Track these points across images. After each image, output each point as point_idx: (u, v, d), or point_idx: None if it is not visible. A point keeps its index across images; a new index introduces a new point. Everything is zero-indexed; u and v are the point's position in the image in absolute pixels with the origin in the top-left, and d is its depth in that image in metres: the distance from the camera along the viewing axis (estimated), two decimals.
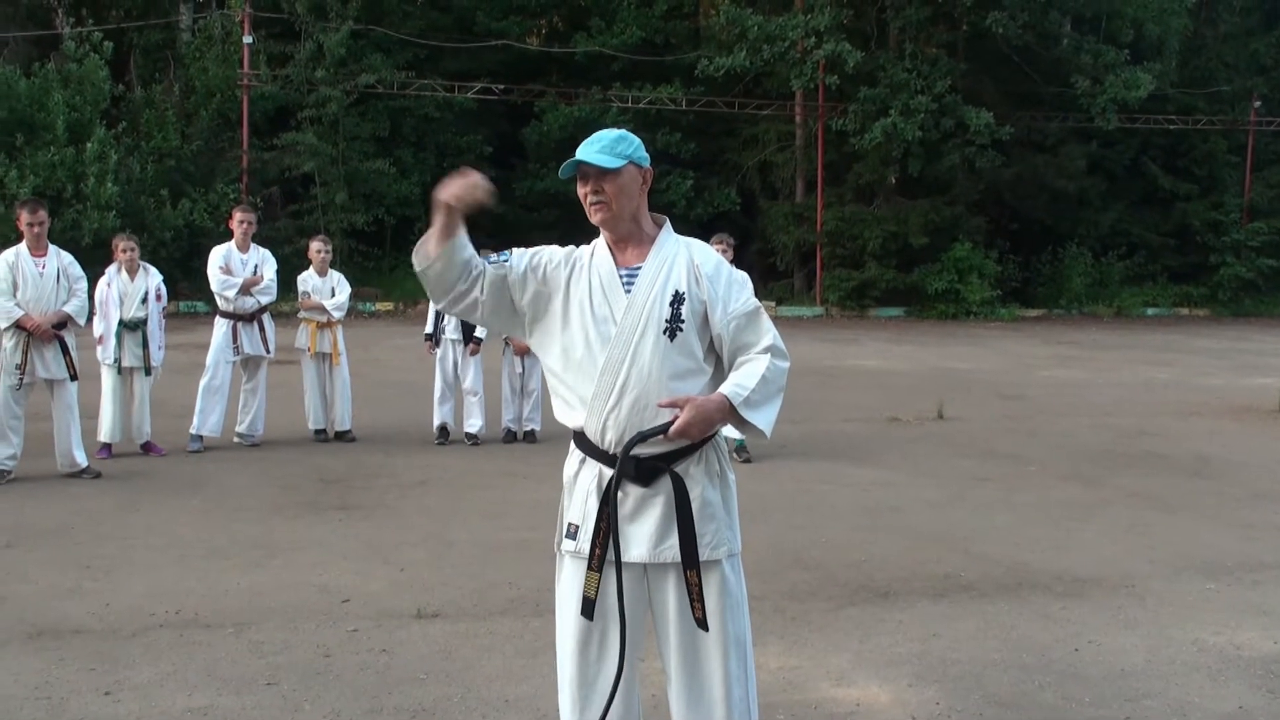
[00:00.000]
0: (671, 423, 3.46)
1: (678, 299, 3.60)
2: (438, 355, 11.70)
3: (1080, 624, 6.20)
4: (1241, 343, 26.05)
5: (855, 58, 29.45)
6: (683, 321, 3.59)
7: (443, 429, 11.64)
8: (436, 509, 8.76)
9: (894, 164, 32.01)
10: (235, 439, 11.23)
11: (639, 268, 3.66)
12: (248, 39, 29.81)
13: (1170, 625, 6.21)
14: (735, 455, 10.82)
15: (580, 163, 3.61)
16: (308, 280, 11.93)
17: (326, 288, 11.88)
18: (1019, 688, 5.26)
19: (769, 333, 3.67)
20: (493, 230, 30.64)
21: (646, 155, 3.70)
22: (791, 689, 5.17)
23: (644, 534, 3.61)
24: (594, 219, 3.69)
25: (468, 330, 11.52)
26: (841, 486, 9.76)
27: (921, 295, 32.27)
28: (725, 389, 3.54)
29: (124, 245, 10.77)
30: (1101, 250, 35.33)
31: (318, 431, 11.63)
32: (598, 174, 3.60)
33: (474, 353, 11.60)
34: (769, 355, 3.61)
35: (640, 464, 3.59)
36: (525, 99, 32.93)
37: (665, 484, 3.61)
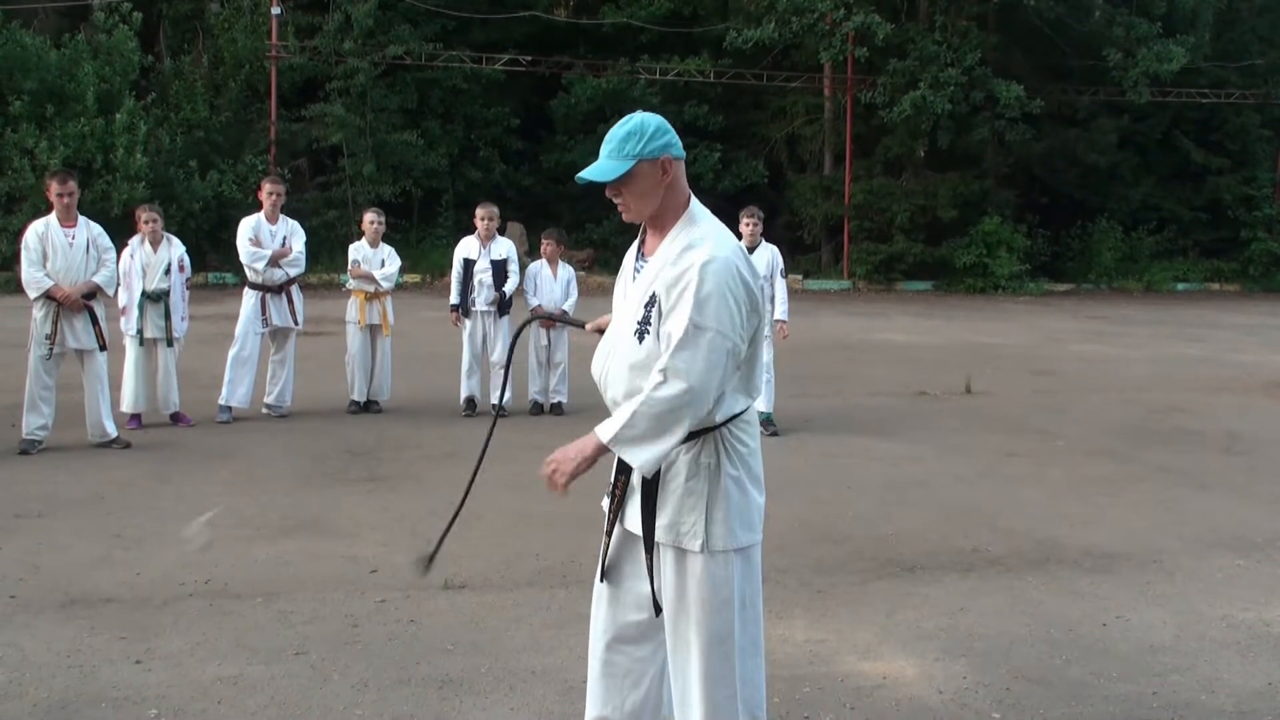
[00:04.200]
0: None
1: (651, 301, 3.51)
2: (467, 328, 11.72)
3: (1108, 599, 6.18)
4: (1273, 318, 25.84)
5: (885, 30, 29.22)
6: (649, 325, 3.50)
7: (470, 401, 11.68)
8: (464, 480, 8.77)
9: (923, 137, 31.78)
10: (263, 410, 11.27)
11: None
12: (276, 10, 29.81)
13: (1199, 601, 6.19)
14: (762, 429, 10.80)
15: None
16: (359, 249, 12.00)
17: (377, 259, 11.91)
18: (1046, 662, 5.25)
19: (676, 353, 3.37)
20: (520, 202, 30.77)
21: (664, 142, 3.52)
22: (818, 662, 5.18)
23: (637, 508, 3.64)
24: (624, 217, 3.66)
25: (501, 304, 11.59)
26: (869, 461, 9.74)
27: (950, 269, 32.10)
28: (599, 427, 3.47)
29: (146, 216, 10.80)
30: (1132, 225, 35.06)
31: (357, 403, 11.68)
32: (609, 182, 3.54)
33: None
34: (657, 383, 3.37)
35: None
36: (553, 71, 32.86)
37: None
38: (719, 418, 3.56)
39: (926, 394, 13.49)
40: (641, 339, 3.51)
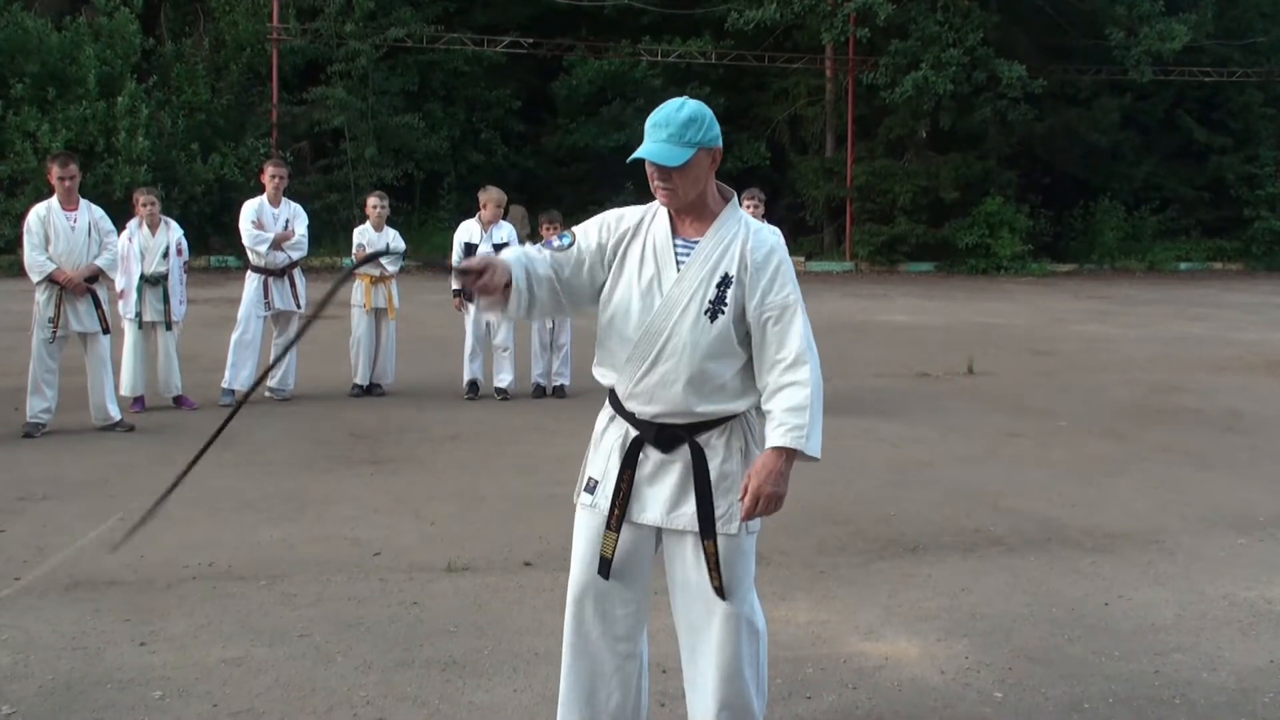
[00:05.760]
0: None
1: (725, 282, 3.55)
2: (470, 312, 11.71)
3: (1110, 579, 6.19)
4: (1275, 297, 25.82)
5: (886, 10, 29.11)
6: (725, 305, 3.54)
7: (473, 384, 11.68)
8: (467, 463, 8.80)
9: (925, 118, 31.71)
10: (266, 393, 11.27)
11: (696, 241, 3.61)
12: None
13: (1201, 580, 6.20)
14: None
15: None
16: (364, 234, 12.02)
17: (381, 243, 11.92)
18: (1048, 641, 5.26)
19: (800, 335, 3.56)
20: (521, 185, 30.73)
21: (717, 131, 3.58)
22: (820, 643, 5.19)
23: (660, 498, 3.64)
24: (659, 200, 3.64)
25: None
26: (871, 442, 9.75)
27: (952, 250, 32.08)
28: (781, 436, 3.49)
29: (144, 199, 10.80)
30: (1134, 204, 35.02)
31: (360, 386, 11.69)
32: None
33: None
34: (806, 369, 3.53)
35: (662, 430, 3.62)
36: (554, 53, 32.79)
37: (685, 452, 3.62)
38: (747, 404, 3.66)
39: (929, 375, 13.50)
40: (714, 318, 3.55)
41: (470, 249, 11.70)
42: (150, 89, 27.85)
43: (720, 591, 3.60)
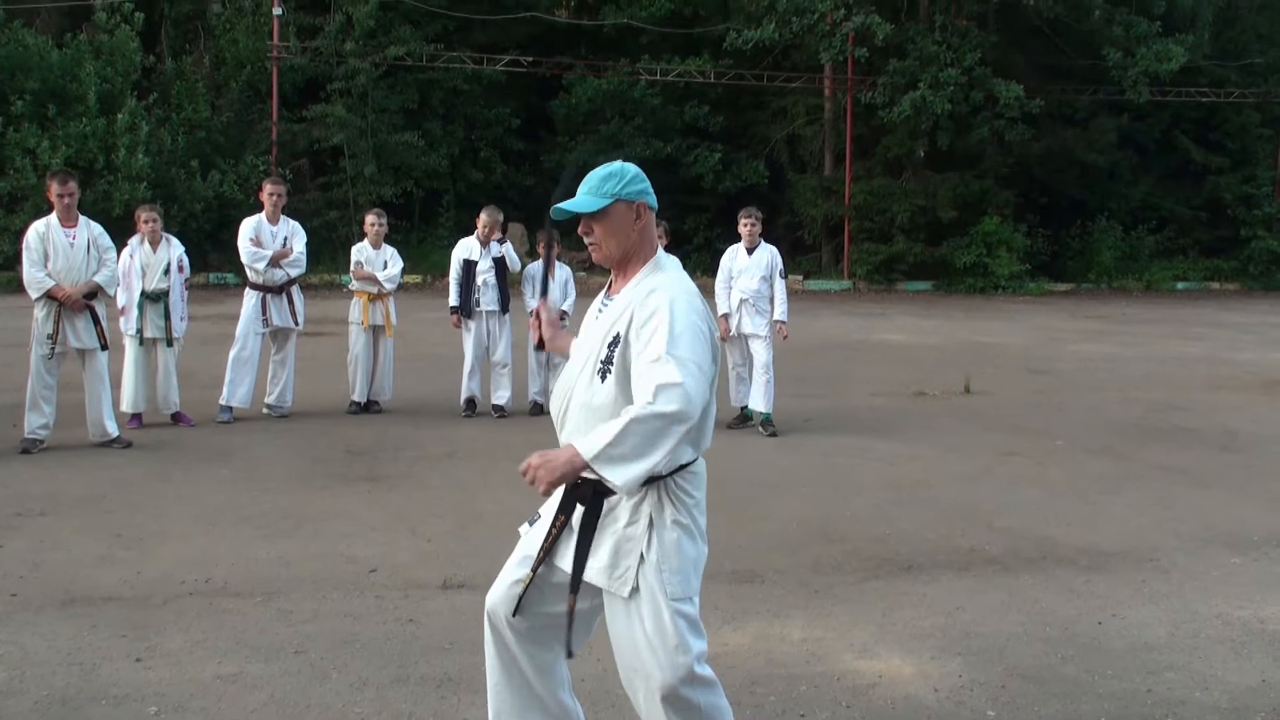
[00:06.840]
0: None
1: (615, 341, 3.54)
2: (471, 329, 11.73)
3: (1104, 597, 6.20)
4: (1272, 316, 25.84)
5: (885, 30, 29.23)
6: (612, 364, 3.53)
7: (470, 401, 11.69)
8: (463, 480, 8.81)
9: (923, 137, 31.78)
10: (264, 410, 11.29)
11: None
12: (277, 10, 29.85)
13: (1194, 599, 6.21)
14: (761, 429, 10.84)
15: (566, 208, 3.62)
16: (362, 251, 12.06)
17: (379, 260, 11.96)
18: (1041, 660, 5.27)
19: (650, 384, 3.35)
20: (520, 203, 30.79)
21: (641, 188, 3.62)
22: (814, 661, 5.21)
23: (573, 549, 3.62)
24: (593, 257, 3.70)
25: (504, 300, 11.66)
26: (867, 460, 9.76)
27: (950, 269, 32.10)
28: (579, 441, 3.38)
29: (146, 216, 10.82)
30: (1131, 224, 35.08)
31: (358, 403, 11.70)
32: (585, 215, 3.60)
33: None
34: (644, 404, 3.31)
35: (578, 484, 3.58)
36: (554, 71, 32.89)
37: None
38: (665, 468, 3.53)
39: (925, 394, 13.51)
40: (604, 378, 3.54)
41: (470, 266, 11.74)
42: (150, 106, 27.93)
43: (568, 648, 3.63)
